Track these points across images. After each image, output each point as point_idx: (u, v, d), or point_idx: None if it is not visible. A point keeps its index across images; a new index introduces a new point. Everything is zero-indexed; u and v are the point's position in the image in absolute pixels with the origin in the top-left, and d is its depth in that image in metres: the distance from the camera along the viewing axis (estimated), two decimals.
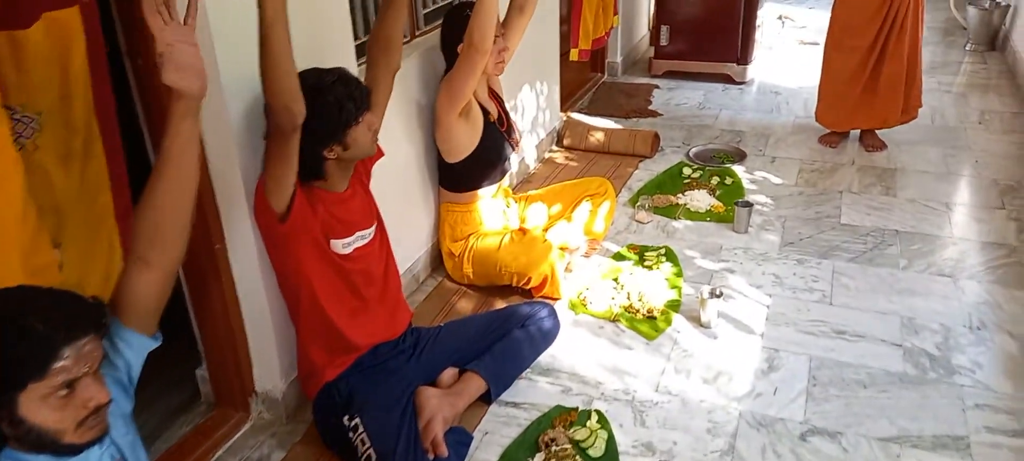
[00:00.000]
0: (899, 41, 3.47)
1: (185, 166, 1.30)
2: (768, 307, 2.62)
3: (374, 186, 2.18)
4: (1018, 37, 4.80)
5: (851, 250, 2.93)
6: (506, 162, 2.76)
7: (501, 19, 2.70)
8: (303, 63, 1.71)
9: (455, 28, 2.51)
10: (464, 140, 2.59)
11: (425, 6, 2.78)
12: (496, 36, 2.58)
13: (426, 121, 2.70)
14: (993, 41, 5.18)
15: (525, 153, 3.68)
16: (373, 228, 2.02)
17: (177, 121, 1.27)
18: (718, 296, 2.51)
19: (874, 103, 3.63)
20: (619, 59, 5.12)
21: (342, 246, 1.92)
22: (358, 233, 1.95)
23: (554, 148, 4.04)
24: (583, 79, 4.87)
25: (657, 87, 4.90)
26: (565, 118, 4.34)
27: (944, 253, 2.88)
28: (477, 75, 2.41)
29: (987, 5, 5.17)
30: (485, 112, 2.64)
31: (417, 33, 2.74)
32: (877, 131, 3.78)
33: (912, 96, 3.62)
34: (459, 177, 2.69)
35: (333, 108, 1.75)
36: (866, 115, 3.68)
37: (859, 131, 3.83)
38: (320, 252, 1.87)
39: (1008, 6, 5.08)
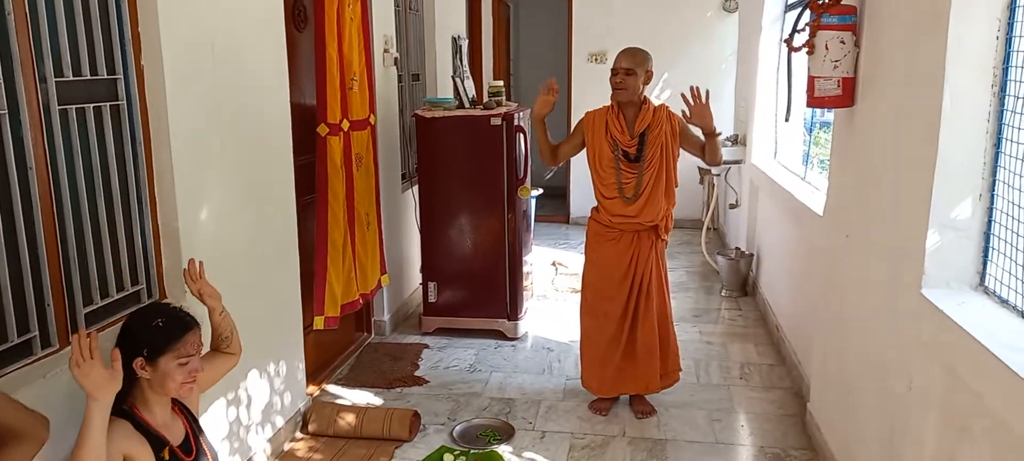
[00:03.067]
0: (648, 308, 3.44)
1: None
2: None
3: None
4: (764, 284, 5.10)
5: None
6: None
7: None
8: None
9: (136, 341, 2.00)
10: None
11: (88, 302, 2.22)
12: (191, 354, 2.06)
13: None
14: (744, 287, 5.49)
15: (253, 452, 3.05)
16: None
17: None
18: None
19: (635, 369, 3.50)
20: (387, 317, 4.76)
21: None
22: None
23: (298, 435, 3.44)
24: (346, 341, 4.41)
25: (427, 346, 4.55)
26: (316, 393, 3.80)
27: None
28: None
29: (733, 254, 5.53)
30: (160, 443, 2.04)
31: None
32: (645, 396, 3.62)
33: (668, 361, 3.55)
34: None
35: None
36: (629, 382, 3.53)
37: (628, 396, 3.65)
38: None
39: (752, 255, 5.46)
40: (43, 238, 2.04)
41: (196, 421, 2.24)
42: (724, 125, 7.28)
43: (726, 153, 6.15)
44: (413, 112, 4.70)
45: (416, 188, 4.70)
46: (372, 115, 4.03)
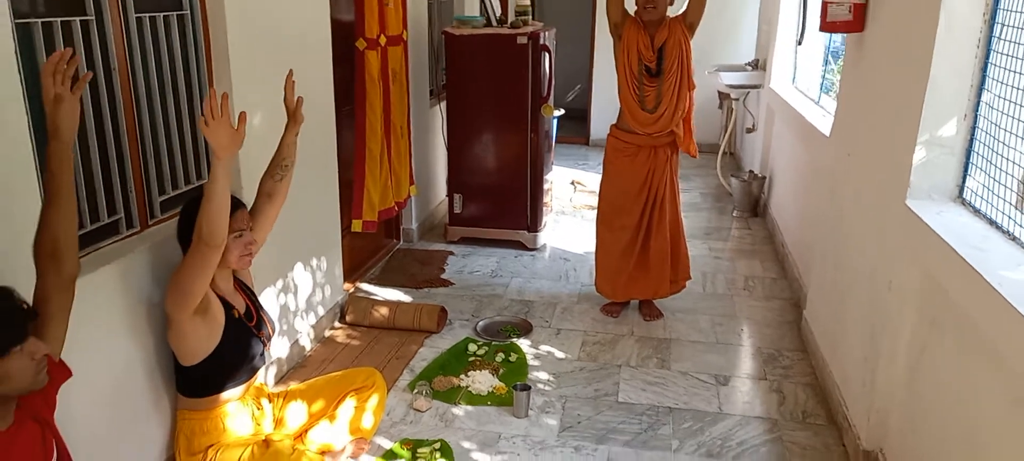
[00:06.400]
0: (661, 220, 3.68)
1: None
2: None
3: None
4: (774, 206, 5.32)
5: (627, 432, 2.89)
6: (255, 360, 2.47)
7: (250, 207, 2.50)
8: None
9: (193, 225, 2.28)
10: (201, 342, 2.29)
11: (162, 192, 2.51)
12: (243, 229, 2.36)
13: (157, 320, 2.37)
14: (755, 208, 5.72)
15: (299, 335, 3.40)
16: None
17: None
18: None
19: (647, 276, 3.77)
20: (415, 225, 5.06)
21: None
22: None
23: (337, 325, 3.79)
24: (376, 246, 4.73)
25: (452, 253, 4.86)
26: (351, 291, 4.14)
27: (713, 431, 2.91)
28: (208, 272, 2.15)
29: (746, 177, 5.74)
30: (229, 307, 2.37)
31: (150, 222, 2.45)
32: (654, 301, 3.91)
33: (679, 269, 3.82)
34: (197, 381, 2.35)
35: None
36: (640, 287, 3.82)
37: (638, 301, 3.95)
38: None
39: (764, 178, 5.67)
40: (126, 133, 2.32)
41: (255, 296, 2.56)
42: (746, 50, 7.38)
43: (745, 77, 6.30)
44: (442, 29, 4.88)
45: (443, 104, 4.92)
46: (405, 31, 4.23)
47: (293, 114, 2.50)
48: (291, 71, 2.47)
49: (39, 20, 1.99)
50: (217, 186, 2.04)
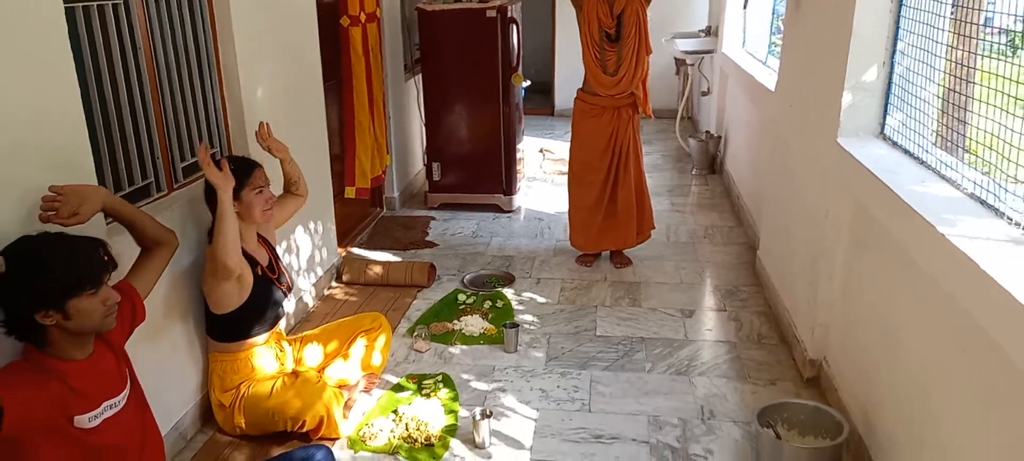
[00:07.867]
0: (626, 174, 4.05)
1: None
2: (536, 421, 2.83)
3: (130, 339, 2.11)
4: (730, 163, 5.74)
5: (606, 359, 3.26)
6: (278, 309, 2.78)
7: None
8: None
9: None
10: (232, 297, 2.58)
11: (183, 159, 2.79)
12: (262, 186, 2.66)
13: (189, 271, 2.66)
14: (712, 166, 6.13)
15: (302, 292, 3.69)
16: (124, 394, 1.93)
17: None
18: (488, 416, 2.68)
19: (615, 227, 4.15)
20: (396, 194, 5.36)
21: (89, 420, 1.80)
22: (106, 403, 1.85)
23: (334, 284, 4.09)
24: (362, 214, 5.02)
25: (434, 218, 5.18)
26: (343, 254, 4.43)
27: (680, 354, 3.30)
28: (230, 278, 2.52)
29: (703, 137, 6.14)
30: (254, 262, 2.66)
31: (175, 186, 2.73)
32: (623, 251, 4.29)
33: (644, 220, 4.19)
34: (227, 327, 2.65)
35: (50, 279, 1.69)
36: (610, 238, 4.19)
37: (609, 251, 4.33)
38: (60, 437, 1.74)
39: (719, 137, 6.08)
40: (152, 106, 2.59)
41: (275, 251, 2.86)
42: (700, 17, 7.77)
43: (699, 43, 6.69)
44: (415, 6, 5.15)
45: (418, 77, 5.20)
46: (378, 8, 4.50)
47: (272, 151, 2.88)
48: (261, 122, 2.89)
49: (80, 4, 2.25)
50: (225, 215, 2.43)
